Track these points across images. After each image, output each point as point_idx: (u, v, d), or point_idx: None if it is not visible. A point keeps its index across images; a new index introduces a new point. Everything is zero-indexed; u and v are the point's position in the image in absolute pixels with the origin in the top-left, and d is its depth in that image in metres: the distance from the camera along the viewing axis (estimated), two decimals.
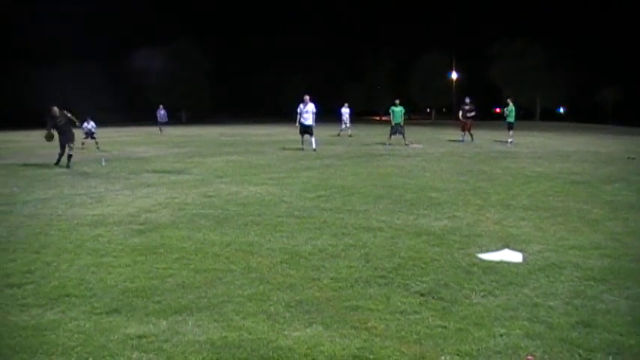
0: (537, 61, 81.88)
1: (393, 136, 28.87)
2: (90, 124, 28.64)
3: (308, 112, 25.37)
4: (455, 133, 36.11)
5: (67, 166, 18.44)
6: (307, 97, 25.63)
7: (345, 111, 38.15)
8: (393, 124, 29.04)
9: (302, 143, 25.56)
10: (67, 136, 19.05)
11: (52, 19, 77.71)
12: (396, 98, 30.40)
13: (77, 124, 19.50)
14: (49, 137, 19.00)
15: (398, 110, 29.06)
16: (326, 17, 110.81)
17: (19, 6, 79.26)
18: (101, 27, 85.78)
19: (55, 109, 19.00)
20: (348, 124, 38.27)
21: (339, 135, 36.66)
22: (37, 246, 8.08)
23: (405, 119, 29.78)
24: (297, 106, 25.87)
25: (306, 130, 25.52)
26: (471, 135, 31.28)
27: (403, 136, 28.69)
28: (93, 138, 28.00)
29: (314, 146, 25.11)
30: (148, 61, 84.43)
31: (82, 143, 27.17)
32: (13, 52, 75.94)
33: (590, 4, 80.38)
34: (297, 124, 25.68)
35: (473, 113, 31.93)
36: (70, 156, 18.84)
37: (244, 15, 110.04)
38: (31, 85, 69.03)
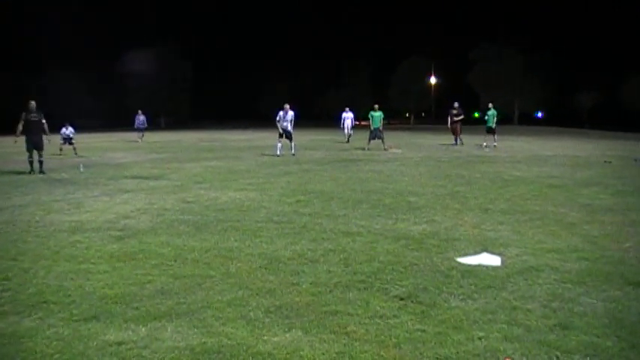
0: (515, 65, 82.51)
1: (372, 141, 28.99)
2: (68, 130, 28.52)
3: (287, 120, 25.76)
4: (433, 138, 36.25)
5: (41, 172, 18.31)
6: (287, 106, 26.07)
7: (347, 116, 36.22)
8: (372, 128, 29.30)
9: (278, 150, 25.49)
10: (36, 139, 18.76)
11: (30, 23, 77.38)
12: (376, 103, 30.59)
13: (47, 133, 19.16)
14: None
15: (377, 115, 29.36)
16: (305, 22, 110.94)
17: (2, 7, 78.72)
18: (80, 32, 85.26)
19: (33, 102, 18.92)
20: (351, 131, 36.25)
21: (348, 142, 34.66)
22: (14, 253, 8.01)
23: (384, 124, 30.06)
24: (277, 114, 26.06)
25: (286, 135, 25.71)
26: (460, 139, 31.61)
27: (382, 141, 28.84)
28: (71, 144, 27.84)
29: (293, 151, 25.34)
30: (128, 66, 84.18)
31: (60, 149, 27.01)
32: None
33: (567, 10, 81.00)
34: (280, 129, 25.78)
35: (461, 117, 32.25)
36: (41, 162, 18.70)
37: (224, 20, 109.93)
38: (7, 90, 68.41)
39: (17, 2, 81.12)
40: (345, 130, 36.12)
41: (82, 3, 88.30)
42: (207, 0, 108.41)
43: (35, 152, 18.71)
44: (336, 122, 43.48)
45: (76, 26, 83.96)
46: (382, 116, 29.67)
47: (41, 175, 17.85)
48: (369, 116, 29.90)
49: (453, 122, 32.14)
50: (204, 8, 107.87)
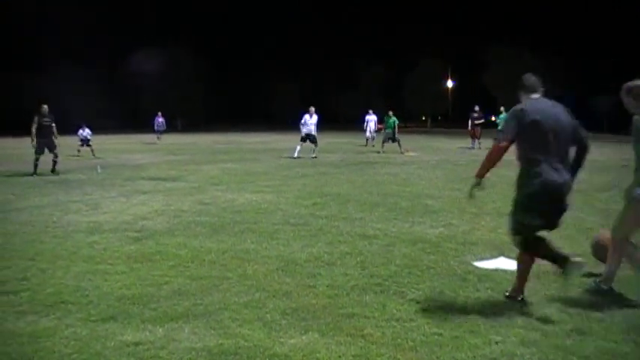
0: (531, 68, 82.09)
1: (385, 144, 29.27)
2: (85, 131, 28.70)
3: (313, 123, 26.15)
4: (450, 141, 36.16)
5: (53, 171, 18.41)
6: (313, 109, 26.45)
7: (371, 118, 35.61)
8: (387, 132, 29.64)
9: (296, 152, 25.77)
10: (48, 140, 18.83)
11: (46, 23, 77.66)
12: (390, 109, 31.08)
13: (56, 137, 19.18)
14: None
15: (391, 121, 29.74)
16: (321, 25, 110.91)
17: (11, 9, 79.07)
18: (96, 33, 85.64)
19: (45, 106, 18.95)
20: (374, 134, 35.61)
21: (366, 145, 34.92)
22: (32, 253, 8.06)
23: (399, 127, 30.57)
24: (302, 117, 26.44)
25: (310, 138, 26.10)
26: (479, 143, 31.63)
27: (399, 144, 28.97)
28: (89, 145, 27.99)
29: (314, 154, 25.59)
30: (144, 67, 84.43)
31: (78, 150, 27.18)
32: (5, 57, 75.75)
33: (586, 13, 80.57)
34: (304, 133, 26.17)
35: (482, 121, 32.32)
36: (55, 162, 18.79)
37: (239, 21, 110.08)
38: (24, 91, 68.81)
39: (28, 1, 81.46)
40: (368, 133, 35.68)
41: (97, 3, 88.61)
42: (222, 1, 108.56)
43: (49, 153, 18.76)
44: (358, 125, 43.42)
45: (90, 28, 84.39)
46: (396, 122, 30.11)
47: (55, 176, 17.91)
48: (384, 119, 30.40)
49: (473, 125, 32.23)
50: (218, 9, 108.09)
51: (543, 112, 5.77)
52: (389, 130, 29.80)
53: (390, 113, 30.22)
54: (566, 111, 5.97)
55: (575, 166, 6.00)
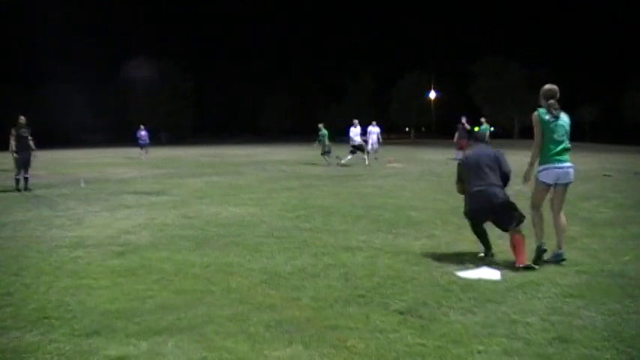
0: (516, 79, 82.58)
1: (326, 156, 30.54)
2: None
3: (357, 134, 29.15)
4: (434, 152, 36.24)
5: (26, 190, 18.25)
6: (356, 121, 29.66)
7: (374, 130, 33.68)
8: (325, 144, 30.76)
9: (345, 159, 28.53)
10: (26, 155, 18.53)
11: (32, 37, 77.58)
12: (373, 120, 32.00)
13: (33, 149, 18.97)
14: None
15: (322, 133, 30.58)
16: (306, 37, 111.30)
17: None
18: (81, 48, 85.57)
19: (23, 118, 18.73)
20: (376, 146, 33.60)
21: (376, 159, 32.42)
22: (15, 268, 8.04)
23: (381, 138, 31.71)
24: (349, 130, 29.54)
25: (358, 148, 29.13)
26: (464, 154, 31.78)
27: (370, 153, 30.50)
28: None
29: (367, 162, 28.23)
30: (128, 81, 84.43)
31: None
32: None
33: (568, 25, 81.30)
34: (352, 146, 28.99)
35: (468, 131, 32.50)
36: (26, 179, 18.54)
37: (224, 34, 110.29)
38: (8, 106, 68.54)
39: (16, 17, 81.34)
40: (370, 146, 33.07)
41: (82, 17, 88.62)
42: (209, 15, 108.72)
43: (22, 169, 18.50)
44: (338, 137, 43.64)
45: (76, 42, 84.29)
46: (327, 135, 30.74)
47: (27, 193, 17.76)
48: (368, 131, 32.12)
49: (460, 137, 32.32)
50: (205, 22, 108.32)
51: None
52: (326, 142, 30.35)
53: (374, 123, 31.00)
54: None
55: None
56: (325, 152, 30.02)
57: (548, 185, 8.16)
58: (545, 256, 7.96)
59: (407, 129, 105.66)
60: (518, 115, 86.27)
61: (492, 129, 32.79)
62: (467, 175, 8.71)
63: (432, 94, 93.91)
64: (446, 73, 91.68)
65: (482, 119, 32.95)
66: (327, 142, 30.08)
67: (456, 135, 32.81)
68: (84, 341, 5.31)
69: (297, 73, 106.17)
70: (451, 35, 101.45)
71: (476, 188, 8.35)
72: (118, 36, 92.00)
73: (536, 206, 8.29)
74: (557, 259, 7.93)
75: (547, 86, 8.56)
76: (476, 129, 31.09)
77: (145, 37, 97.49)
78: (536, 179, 8.24)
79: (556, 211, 8.30)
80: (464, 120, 32.53)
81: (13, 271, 7.86)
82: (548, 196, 8.28)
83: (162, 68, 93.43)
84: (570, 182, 8.23)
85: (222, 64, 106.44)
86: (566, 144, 8.14)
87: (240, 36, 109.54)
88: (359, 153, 28.99)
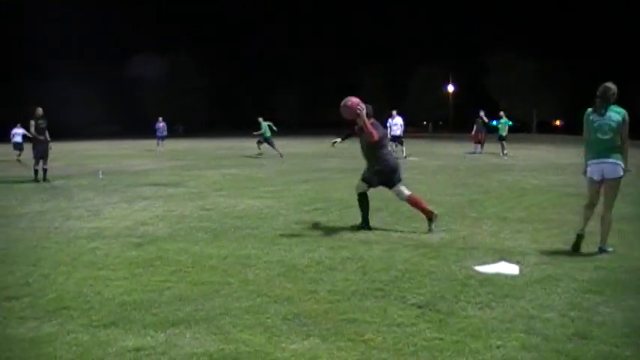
0: (533, 73, 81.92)
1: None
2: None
3: (397, 124, 28.68)
4: (451, 146, 36.10)
5: (45, 180, 18.37)
6: (394, 112, 29.26)
7: (397, 121, 29.83)
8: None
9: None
10: (45, 147, 18.67)
11: (47, 31, 77.77)
12: (394, 109, 30.52)
13: (48, 139, 19.00)
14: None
15: (263, 125, 30.59)
16: (321, 30, 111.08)
17: (11, 15, 79.22)
18: (97, 39, 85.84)
19: (40, 109, 18.86)
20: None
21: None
22: (34, 259, 8.08)
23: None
24: (387, 121, 28.54)
25: (396, 139, 28.59)
26: (482, 148, 31.72)
27: (402, 148, 28.99)
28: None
29: (404, 154, 28.13)
30: (145, 73, 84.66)
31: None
32: (6, 65, 75.84)
33: (586, 17, 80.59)
34: (389, 135, 27.38)
35: (486, 125, 32.39)
36: (45, 170, 18.68)
37: (238, 27, 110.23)
38: (25, 99, 68.95)
39: (30, 10, 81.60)
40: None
41: (99, 10, 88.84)
42: (223, 9, 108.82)
43: (41, 160, 18.67)
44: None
45: (91, 34, 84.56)
46: (269, 126, 30.60)
47: (45, 184, 17.85)
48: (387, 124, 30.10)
49: (478, 131, 32.21)
50: (220, 17, 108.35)
51: None
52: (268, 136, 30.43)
53: (394, 112, 30.43)
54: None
55: None
56: (259, 142, 30.84)
57: (595, 181, 8.41)
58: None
59: (424, 123, 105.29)
60: (536, 109, 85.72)
61: (511, 123, 32.44)
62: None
63: (450, 88, 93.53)
64: (463, 67, 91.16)
65: (501, 113, 32.83)
66: (267, 133, 30.39)
67: (474, 128, 32.69)
68: (101, 332, 5.32)
69: (310, 67, 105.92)
70: (467, 28, 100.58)
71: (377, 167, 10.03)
72: (133, 29, 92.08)
73: (587, 199, 8.72)
74: (601, 252, 8.23)
75: (603, 85, 8.51)
76: (495, 123, 30.95)
77: (162, 30, 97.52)
78: (585, 175, 8.67)
79: (604, 207, 8.43)
80: (482, 114, 32.42)
81: (32, 262, 7.90)
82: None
83: (177, 61, 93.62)
84: (617, 178, 8.23)
85: (238, 57, 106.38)
86: (612, 141, 8.19)
87: (253, 27, 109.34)
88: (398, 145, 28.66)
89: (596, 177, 8.35)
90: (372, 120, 9.84)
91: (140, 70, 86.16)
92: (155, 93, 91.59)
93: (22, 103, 63.50)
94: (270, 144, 30.19)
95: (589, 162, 8.47)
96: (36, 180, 18.25)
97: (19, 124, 29.88)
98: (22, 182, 18.30)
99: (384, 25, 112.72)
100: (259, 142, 30.92)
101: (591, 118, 8.39)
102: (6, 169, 23.92)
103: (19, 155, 28.55)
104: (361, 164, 10.67)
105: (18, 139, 29.71)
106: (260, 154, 30.76)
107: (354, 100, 9.77)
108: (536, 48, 79.63)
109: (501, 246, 8.60)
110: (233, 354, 4.81)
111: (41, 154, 18.54)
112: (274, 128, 30.77)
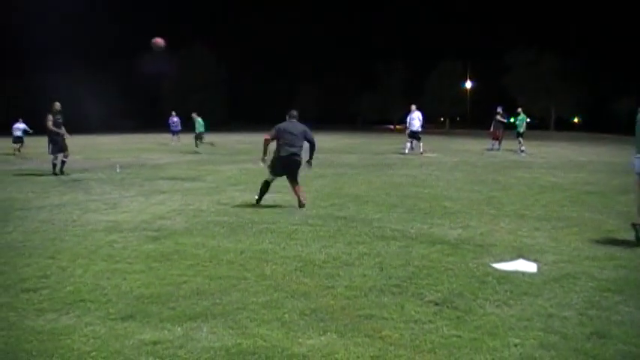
0: (552, 69, 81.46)
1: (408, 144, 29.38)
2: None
3: (414, 118, 28.12)
4: (469, 143, 36.00)
5: (62, 173, 18.47)
6: (414, 106, 28.72)
7: (416, 116, 28.61)
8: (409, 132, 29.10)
9: (406, 149, 28.42)
10: (60, 141, 18.75)
11: (63, 23, 78.02)
12: (412, 104, 29.72)
13: (65, 134, 19.06)
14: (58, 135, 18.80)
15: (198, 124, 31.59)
16: (339, 26, 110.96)
17: (25, 8, 79.57)
18: (114, 32, 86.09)
19: (58, 104, 18.96)
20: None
21: (406, 152, 29.01)
22: (52, 251, 8.13)
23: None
24: (407, 116, 28.84)
25: (414, 135, 28.45)
26: (499, 144, 31.62)
27: (419, 144, 28.72)
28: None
29: (421, 150, 27.98)
30: (162, 67, 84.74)
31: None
32: (20, 57, 76.15)
33: (605, 14, 79.99)
34: (408, 130, 28.51)
35: (504, 122, 32.26)
36: (63, 162, 18.81)
37: (257, 21, 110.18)
38: (41, 92, 69.26)
39: (45, 3, 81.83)
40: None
41: (116, 3, 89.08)
42: (244, 2, 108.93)
43: (60, 154, 18.75)
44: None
45: (109, 27, 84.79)
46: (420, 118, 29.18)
47: (64, 177, 17.93)
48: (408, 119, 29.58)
49: (496, 127, 32.09)
50: (239, 11, 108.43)
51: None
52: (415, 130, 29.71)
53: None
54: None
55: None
56: (197, 136, 31.39)
57: (638, 173, 9.18)
58: None
59: (442, 119, 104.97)
60: (555, 106, 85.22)
61: (528, 119, 32.34)
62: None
63: (468, 84, 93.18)
64: (481, 63, 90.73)
65: (519, 109, 32.76)
66: (200, 129, 31.34)
67: (492, 124, 32.56)
68: (119, 325, 5.34)
69: (329, 62, 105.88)
70: (487, 26, 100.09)
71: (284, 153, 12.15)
72: (150, 23, 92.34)
73: (637, 192, 9.48)
74: None
75: None
76: (512, 120, 30.81)
77: (180, 23, 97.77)
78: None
79: None
80: (500, 110, 32.31)
81: (50, 254, 7.95)
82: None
83: (196, 55, 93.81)
84: None
85: (255, 52, 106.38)
86: None
87: (275, 25, 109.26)
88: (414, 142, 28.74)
89: (637, 169, 9.11)
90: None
91: (157, 63, 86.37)
92: (172, 86, 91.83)
93: (36, 96, 63.96)
94: (199, 138, 31.34)
95: (636, 156, 9.09)
96: (54, 173, 18.35)
97: (20, 119, 31.34)
98: (41, 175, 18.41)
99: (404, 22, 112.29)
100: (198, 139, 31.67)
101: (638, 117, 9.01)
102: (23, 163, 24.06)
103: (19, 148, 29.93)
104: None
105: (18, 133, 30.92)
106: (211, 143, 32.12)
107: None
108: (555, 46, 79.19)
109: (519, 243, 8.55)
110: (250, 349, 4.81)
111: (59, 148, 18.61)
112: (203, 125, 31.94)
